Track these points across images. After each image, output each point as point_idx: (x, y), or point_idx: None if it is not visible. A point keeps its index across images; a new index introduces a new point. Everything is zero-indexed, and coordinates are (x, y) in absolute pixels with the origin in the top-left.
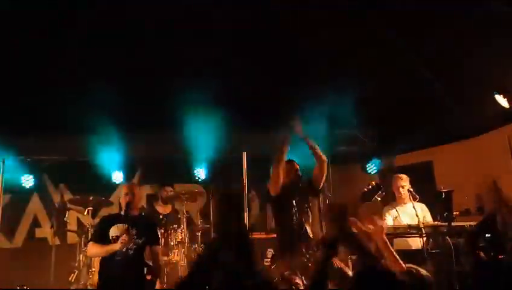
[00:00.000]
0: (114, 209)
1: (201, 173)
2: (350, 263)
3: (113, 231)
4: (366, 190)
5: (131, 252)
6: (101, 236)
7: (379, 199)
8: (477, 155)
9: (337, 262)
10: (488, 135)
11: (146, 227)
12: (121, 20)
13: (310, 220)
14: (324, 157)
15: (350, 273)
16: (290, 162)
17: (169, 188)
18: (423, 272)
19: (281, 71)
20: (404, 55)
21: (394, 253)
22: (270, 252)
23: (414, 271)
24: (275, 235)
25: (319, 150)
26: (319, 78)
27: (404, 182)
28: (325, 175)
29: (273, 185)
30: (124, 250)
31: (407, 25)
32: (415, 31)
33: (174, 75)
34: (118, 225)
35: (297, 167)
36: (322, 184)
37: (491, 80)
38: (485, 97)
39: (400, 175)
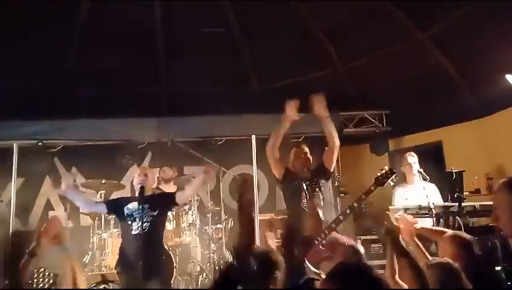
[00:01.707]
0: (126, 193)
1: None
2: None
3: (127, 209)
4: (379, 175)
5: (147, 225)
6: (119, 213)
7: (392, 183)
8: (487, 135)
9: (347, 239)
10: (498, 114)
11: (158, 199)
12: None
13: (322, 203)
14: (337, 141)
15: (361, 249)
16: (298, 145)
17: (167, 168)
18: (450, 261)
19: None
20: (413, 34)
21: (421, 246)
22: (279, 233)
23: (444, 262)
24: (284, 217)
25: (335, 133)
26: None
27: (412, 160)
28: (335, 158)
29: (273, 168)
30: (139, 224)
31: (416, 3)
32: (424, 9)
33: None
34: (132, 203)
35: (307, 150)
36: (333, 167)
37: (501, 58)
38: (495, 76)
39: (409, 153)
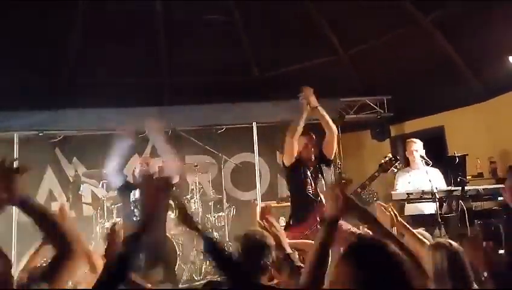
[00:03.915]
0: None
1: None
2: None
3: (133, 195)
4: (383, 161)
5: None
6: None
7: (396, 170)
8: (489, 118)
9: (350, 226)
10: (500, 98)
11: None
12: None
13: (324, 189)
14: (334, 127)
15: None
16: (308, 133)
17: None
18: (454, 244)
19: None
20: (414, 18)
21: (415, 233)
22: (282, 220)
23: (448, 244)
24: (285, 204)
25: (330, 121)
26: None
27: (416, 147)
28: (335, 145)
29: (287, 156)
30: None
31: None
32: None
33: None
34: (136, 190)
35: (314, 137)
36: (333, 154)
37: (504, 41)
38: (498, 58)
39: (412, 140)
